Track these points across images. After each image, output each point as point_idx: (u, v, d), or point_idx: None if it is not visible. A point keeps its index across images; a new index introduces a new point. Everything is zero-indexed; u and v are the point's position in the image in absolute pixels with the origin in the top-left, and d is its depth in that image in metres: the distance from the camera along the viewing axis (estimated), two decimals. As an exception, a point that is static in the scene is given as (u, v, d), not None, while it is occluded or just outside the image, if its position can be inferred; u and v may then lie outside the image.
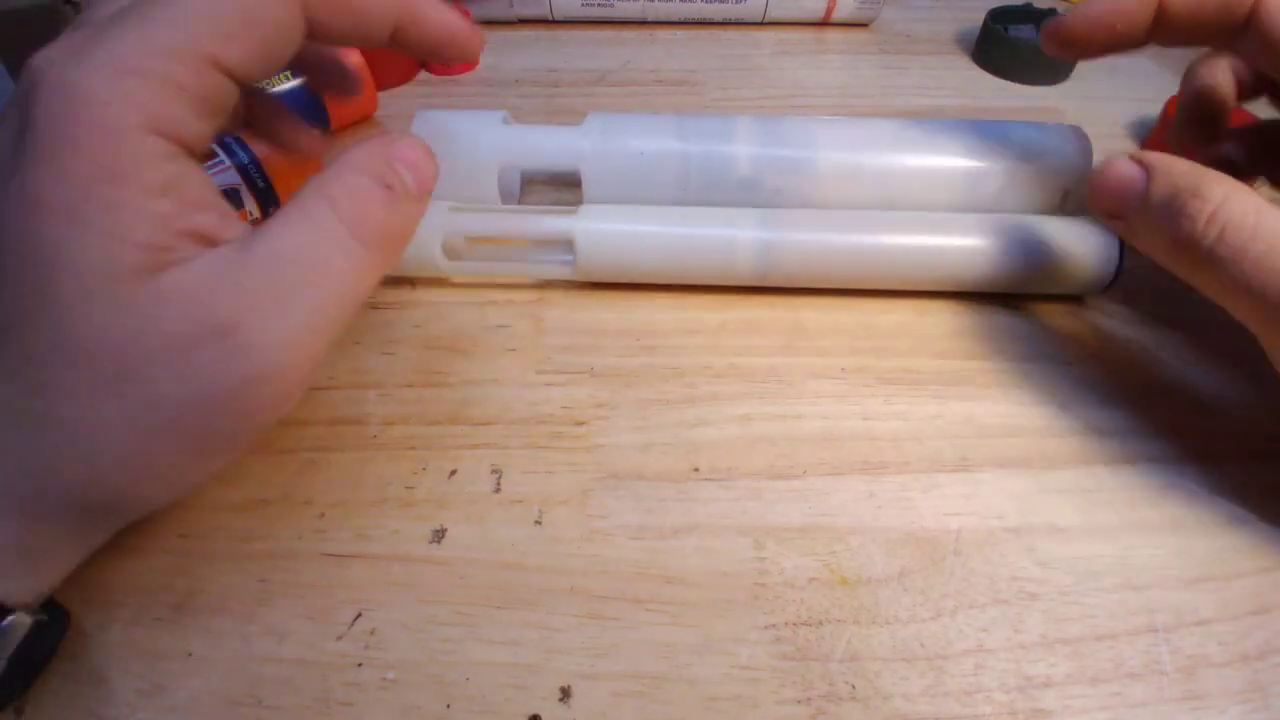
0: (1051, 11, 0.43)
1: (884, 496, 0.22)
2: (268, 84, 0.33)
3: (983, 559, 0.20)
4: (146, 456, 0.15)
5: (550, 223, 0.26)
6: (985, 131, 0.28)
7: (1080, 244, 0.25)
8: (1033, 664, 0.18)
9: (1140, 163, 0.20)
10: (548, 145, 0.28)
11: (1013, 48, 0.41)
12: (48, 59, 0.14)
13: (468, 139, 0.28)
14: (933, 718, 0.17)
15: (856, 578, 0.20)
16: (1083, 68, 0.42)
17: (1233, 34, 0.21)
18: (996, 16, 0.43)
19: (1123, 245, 0.25)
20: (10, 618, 0.16)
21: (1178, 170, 0.19)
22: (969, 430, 0.23)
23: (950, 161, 0.27)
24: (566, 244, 0.26)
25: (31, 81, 0.14)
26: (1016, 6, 0.44)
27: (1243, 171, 0.25)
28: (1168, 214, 0.19)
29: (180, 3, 0.15)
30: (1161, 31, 0.22)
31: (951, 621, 0.19)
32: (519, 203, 0.31)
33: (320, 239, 0.16)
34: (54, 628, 0.17)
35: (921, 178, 0.27)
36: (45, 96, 0.14)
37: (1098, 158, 0.36)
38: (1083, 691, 0.18)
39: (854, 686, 0.18)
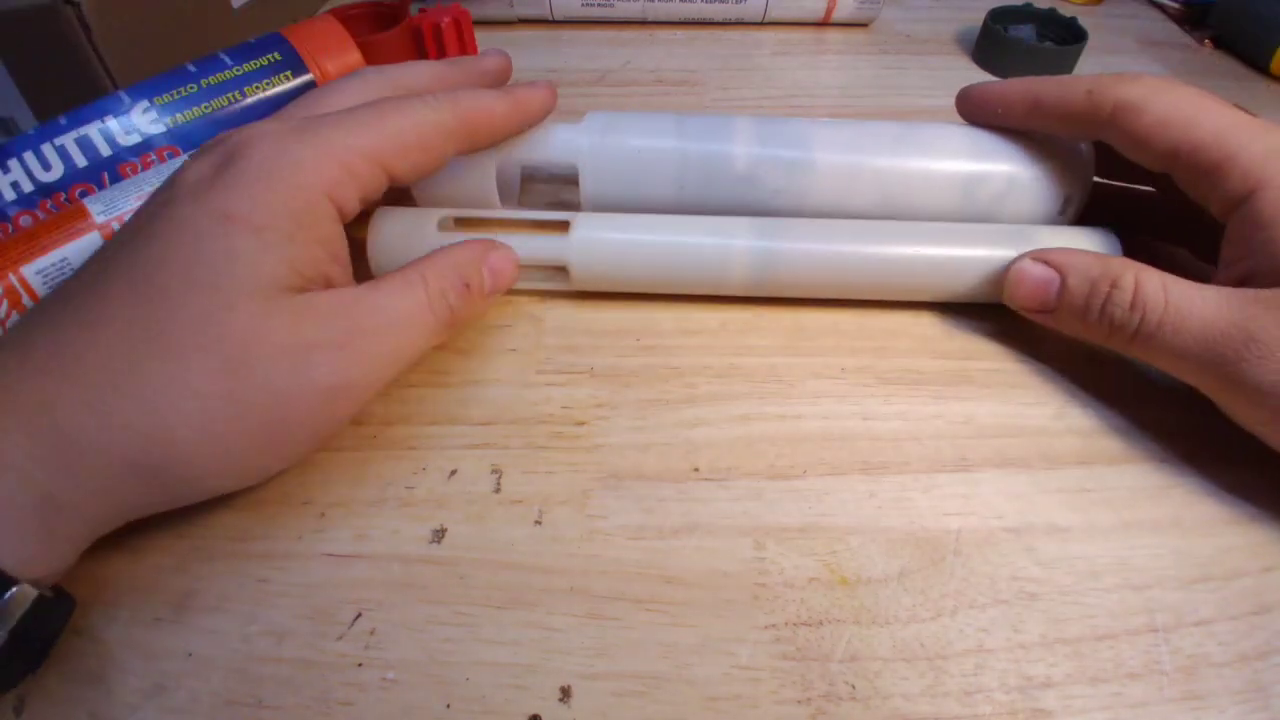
0: (1052, 11, 0.43)
1: (884, 496, 0.22)
2: (270, 83, 0.33)
3: (983, 559, 0.20)
4: (223, 438, 0.18)
5: (542, 243, 0.26)
6: (985, 136, 0.27)
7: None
8: (1033, 664, 0.18)
9: (1048, 263, 0.23)
10: (546, 141, 0.27)
11: (1013, 48, 0.41)
12: (263, 129, 0.19)
13: None
14: (933, 718, 0.17)
15: (856, 578, 0.20)
16: (1082, 67, 0.42)
17: (1095, 131, 0.24)
18: (996, 16, 0.43)
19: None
20: (14, 589, 0.16)
21: (1085, 264, 0.23)
22: (969, 430, 0.23)
23: (949, 165, 0.27)
24: (559, 264, 0.26)
25: (247, 137, 0.19)
26: (1016, 6, 0.44)
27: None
28: (1095, 308, 0.22)
29: (375, 121, 0.20)
30: (1035, 121, 0.26)
31: (951, 621, 0.19)
32: (519, 199, 0.31)
33: (411, 306, 0.21)
34: (59, 610, 0.18)
35: (920, 180, 0.27)
36: (260, 149, 0.19)
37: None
38: (1083, 691, 0.18)
39: (854, 686, 0.18)
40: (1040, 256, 0.23)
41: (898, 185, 0.27)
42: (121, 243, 0.19)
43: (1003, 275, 0.24)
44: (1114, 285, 0.22)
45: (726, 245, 0.25)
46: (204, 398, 0.17)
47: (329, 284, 0.20)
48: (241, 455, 0.18)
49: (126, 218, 0.26)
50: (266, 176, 0.18)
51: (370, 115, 0.20)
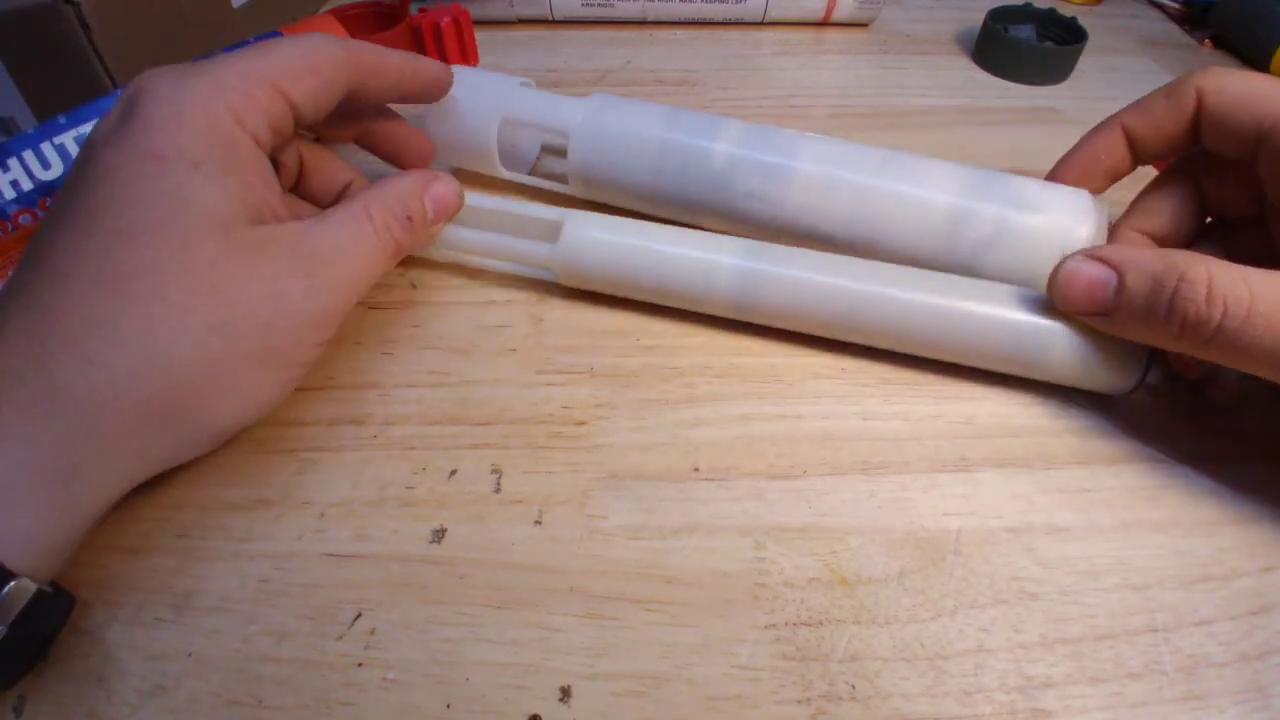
0: (1052, 11, 0.43)
1: (884, 496, 0.22)
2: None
3: (983, 559, 0.20)
4: (222, 363, 0.19)
5: (529, 248, 0.26)
6: (982, 174, 0.26)
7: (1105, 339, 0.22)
8: (1033, 664, 0.18)
9: (1104, 261, 0.21)
10: (547, 108, 0.29)
11: (1013, 48, 0.41)
12: (156, 71, 0.19)
13: (473, 90, 0.29)
14: (933, 718, 0.17)
15: (856, 578, 0.20)
16: (1082, 67, 0.42)
17: (1187, 123, 0.23)
18: (996, 16, 0.43)
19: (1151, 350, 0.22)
20: (12, 583, 0.16)
21: (1146, 261, 0.20)
22: (969, 430, 0.23)
23: (934, 195, 0.25)
24: (545, 265, 0.26)
25: (137, 86, 0.19)
26: (1016, 6, 0.44)
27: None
28: (1161, 306, 0.20)
29: (262, 51, 0.21)
30: (1137, 156, 0.25)
31: (951, 621, 0.19)
32: (534, 167, 0.33)
33: (360, 237, 0.22)
34: (58, 608, 0.18)
35: (898, 205, 0.25)
36: (156, 89, 0.19)
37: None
38: (1083, 691, 0.18)
39: (854, 686, 0.18)
40: (1093, 254, 0.21)
41: (871, 207, 0.26)
42: (62, 203, 0.19)
43: (1051, 277, 0.22)
44: (1182, 279, 0.19)
45: (714, 260, 0.24)
46: (196, 331, 0.18)
47: (275, 215, 0.21)
48: (242, 383, 0.19)
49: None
50: (174, 113, 0.18)
51: (258, 48, 0.21)
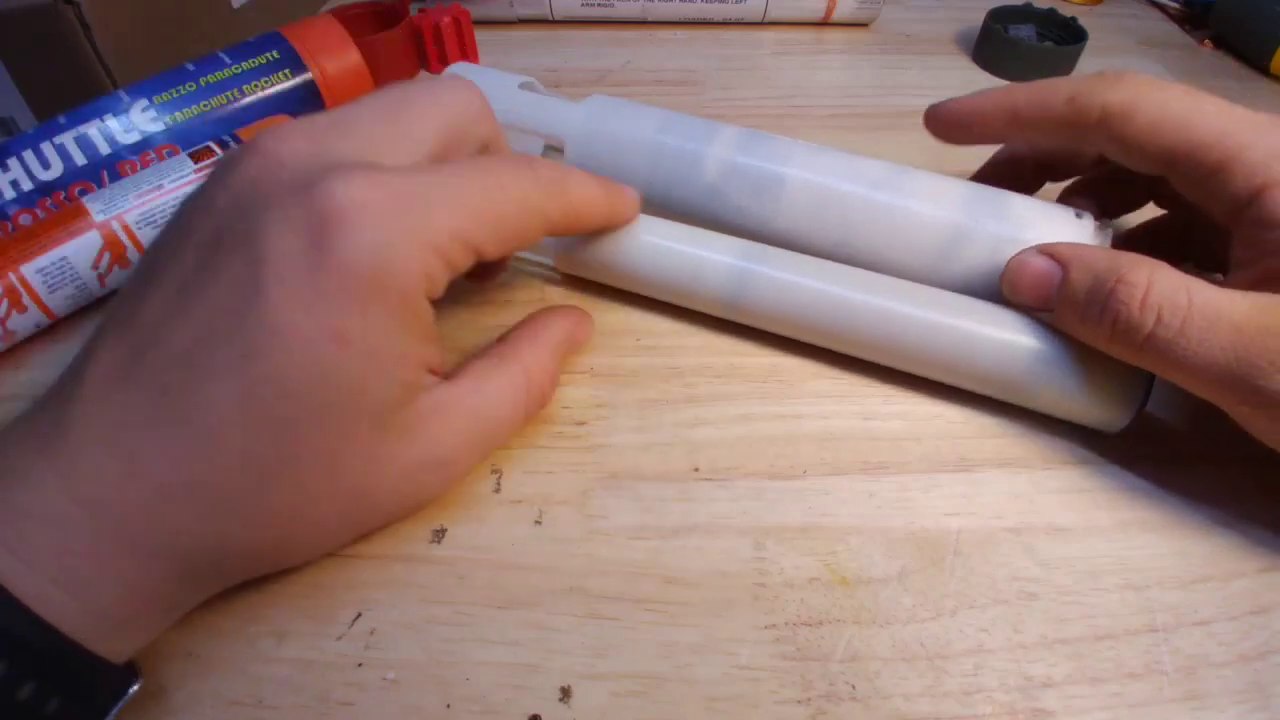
0: (1052, 11, 0.43)
1: (884, 496, 0.22)
2: (268, 82, 0.33)
3: (983, 559, 0.20)
4: (332, 540, 0.19)
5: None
6: (983, 193, 0.25)
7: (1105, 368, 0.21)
8: (1033, 664, 0.18)
9: (1052, 256, 0.21)
10: (539, 114, 0.28)
11: (1013, 48, 0.41)
12: (357, 190, 0.16)
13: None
14: (933, 718, 0.17)
15: (856, 578, 0.20)
16: (1082, 67, 0.42)
17: (1081, 139, 0.23)
18: (996, 16, 0.43)
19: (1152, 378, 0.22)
20: (139, 683, 0.16)
21: (1093, 258, 0.20)
22: (969, 430, 0.23)
23: (928, 217, 0.24)
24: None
25: (342, 204, 0.16)
26: (1016, 6, 0.44)
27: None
28: (1097, 304, 0.20)
29: (479, 197, 0.18)
30: (1015, 134, 0.24)
31: (951, 621, 0.19)
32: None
33: (513, 396, 0.21)
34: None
35: (890, 227, 0.25)
36: (358, 232, 0.16)
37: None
38: (1083, 691, 0.18)
39: (854, 686, 0.18)
40: (1044, 248, 0.22)
41: (864, 229, 0.25)
42: (212, 339, 0.16)
43: (1004, 269, 0.23)
44: (1120, 280, 0.19)
45: (710, 259, 0.24)
46: (326, 525, 0.18)
47: (429, 369, 0.18)
48: (335, 543, 0.19)
49: (126, 217, 0.26)
50: (373, 284, 0.16)
51: (474, 188, 0.18)
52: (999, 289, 0.23)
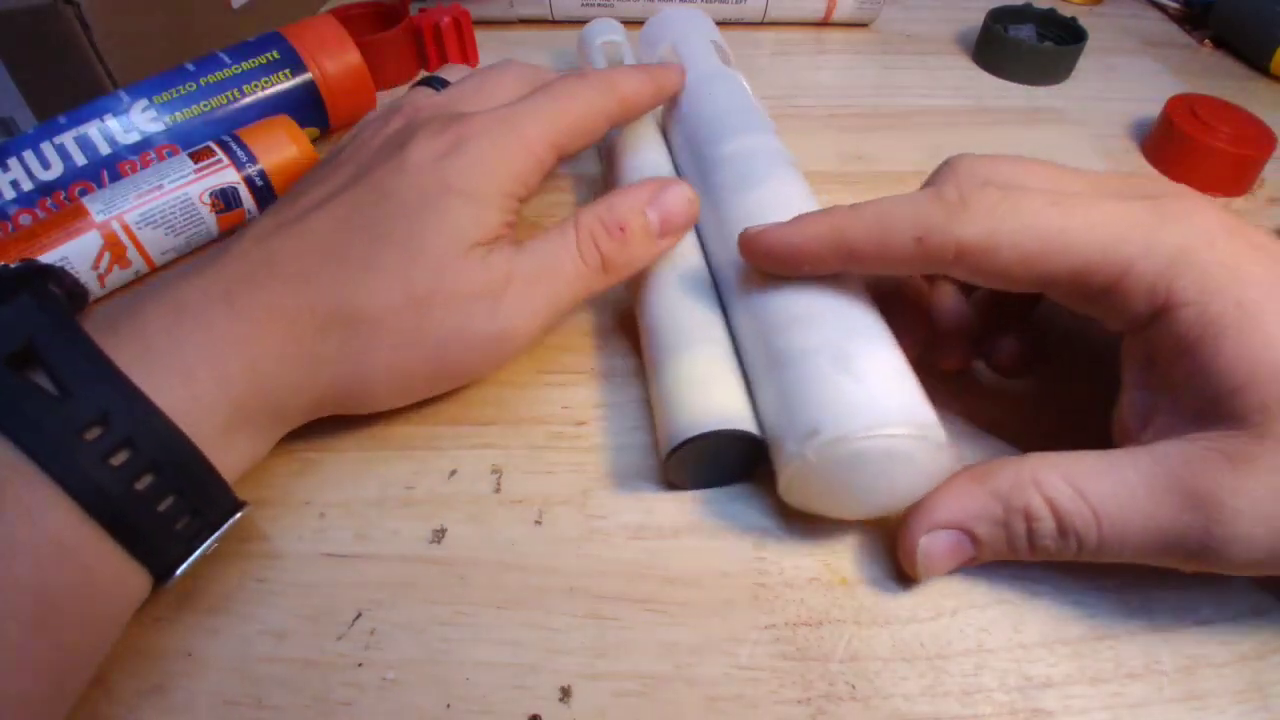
0: (1052, 11, 0.43)
1: (884, 496, 0.21)
2: (268, 82, 0.33)
3: (983, 559, 0.20)
4: (402, 374, 0.21)
5: None
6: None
7: None
8: (1033, 664, 0.18)
9: (950, 527, 0.18)
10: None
11: (1013, 48, 0.41)
12: (480, 122, 0.23)
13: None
14: (933, 718, 0.17)
15: (856, 578, 0.20)
16: (1082, 67, 0.42)
17: (935, 272, 0.20)
18: (996, 16, 0.43)
19: None
20: (241, 512, 0.18)
21: (982, 506, 0.18)
22: (969, 430, 0.23)
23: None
24: None
25: (470, 129, 0.22)
26: (1016, 6, 0.44)
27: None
28: (1019, 550, 0.18)
29: (558, 111, 0.23)
30: (855, 269, 0.20)
31: (951, 621, 0.19)
32: None
33: (559, 253, 0.22)
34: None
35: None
36: (480, 143, 0.22)
37: (1098, 158, 0.36)
38: (1083, 691, 0.18)
39: (854, 686, 0.18)
40: (931, 523, 0.18)
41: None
42: (360, 191, 0.22)
43: (907, 556, 0.19)
44: (1029, 518, 0.17)
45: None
46: (389, 345, 0.20)
47: (503, 239, 0.22)
48: (409, 391, 0.22)
49: (126, 217, 0.26)
50: (483, 165, 0.22)
51: (552, 105, 0.23)
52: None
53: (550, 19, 0.45)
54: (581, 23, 0.45)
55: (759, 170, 0.25)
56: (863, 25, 0.46)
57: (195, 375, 0.18)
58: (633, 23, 0.45)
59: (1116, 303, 0.18)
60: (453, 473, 0.22)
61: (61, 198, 0.28)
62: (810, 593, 0.19)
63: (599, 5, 0.44)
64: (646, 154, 0.29)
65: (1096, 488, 0.17)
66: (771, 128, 0.28)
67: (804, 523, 0.21)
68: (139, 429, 0.16)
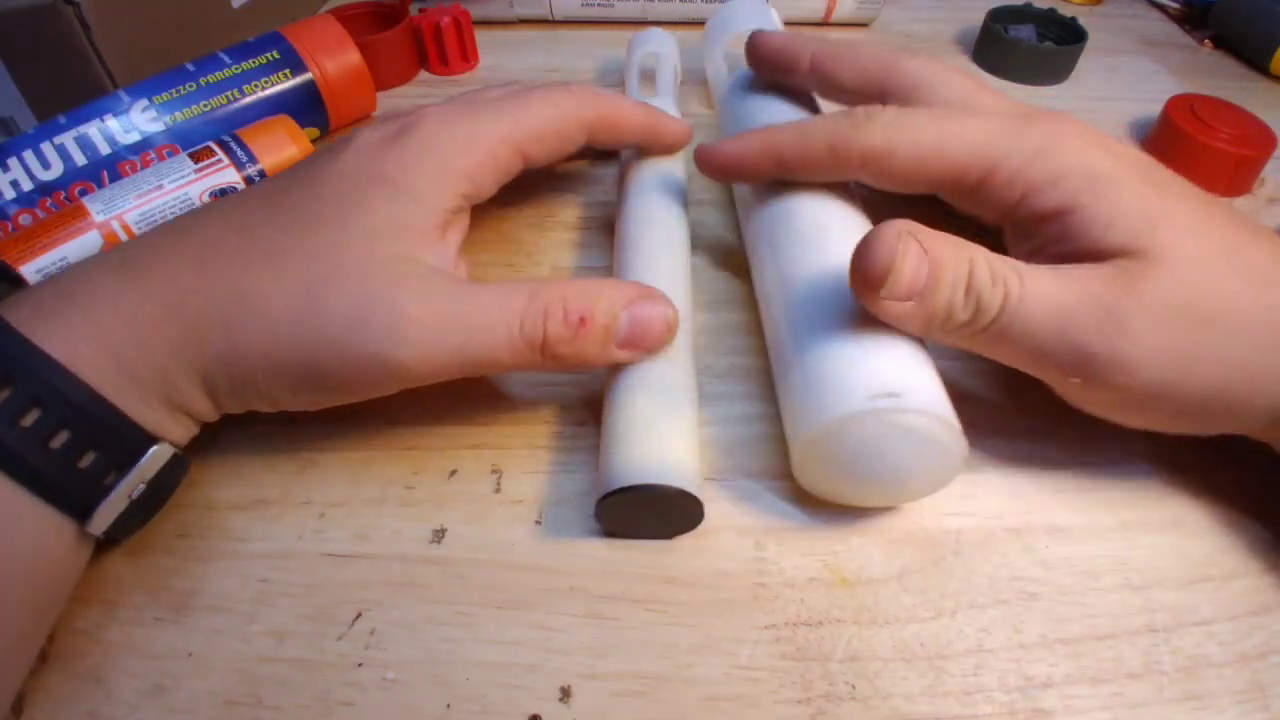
0: (1052, 11, 0.43)
1: (884, 496, 0.21)
2: (268, 82, 0.33)
3: (983, 559, 0.20)
4: (287, 360, 0.19)
5: None
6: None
7: None
8: (1033, 664, 0.18)
9: (922, 248, 0.18)
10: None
11: (1013, 48, 0.41)
12: (434, 109, 0.23)
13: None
14: (933, 718, 0.17)
15: (856, 578, 0.20)
16: (1082, 67, 0.42)
17: (847, 177, 0.23)
18: (996, 16, 0.43)
19: None
20: (156, 446, 0.18)
21: (945, 244, 0.18)
22: (968, 430, 0.23)
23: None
24: None
25: (420, 115, 0.22)
26: (1016, 6, 0.44)
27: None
28: (959, 296, 0.18)
29: (521, 111, 0.23)
30: (782, 174, 0.24)
31: (951, 621, 0.19)
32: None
33: (500, 310, 0.20)
34: (180, 467, 0.20)
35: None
36: (425, 128, 0.22)
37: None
38: (1083, 691, 0.18)
39: (854, 686, 0.18)
40: (915, 236, 0.18)
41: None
42: (295, 177, 0.22)
43: (868, 253, 0.18)
44: (972, 262, 0.18)
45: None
46: (275, 321, 0.19)
47: (441, 241, 0.22)
48: (293, 386, 0.20)
49: (126, 216, 0.26)
50: (421, 151, 0.21)
51: (518, 105, 0.23)
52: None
53: (550, 19, 0.45)
54: (581, 23, 0.45)
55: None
56: (863, 25, 0.46)
57: (73, 326, 0.18)
58: (632, 23, 0.45)
59: (988, 196, 0.21)
60: (453, 473, 0.22)
61: (61, 198, 0.28)
62: (810, 593, 0.19)
63: (599, 5, 0.44)
64: (659, 231, 0.26)
65: (1020, 265, 0.19)
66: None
67: (804, 523, 0.21)
68: (14, 366, 0.17)
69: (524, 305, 0.20)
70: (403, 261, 0.20)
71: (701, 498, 0.19)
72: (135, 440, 0.18)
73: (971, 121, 0.21)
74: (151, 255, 0.20)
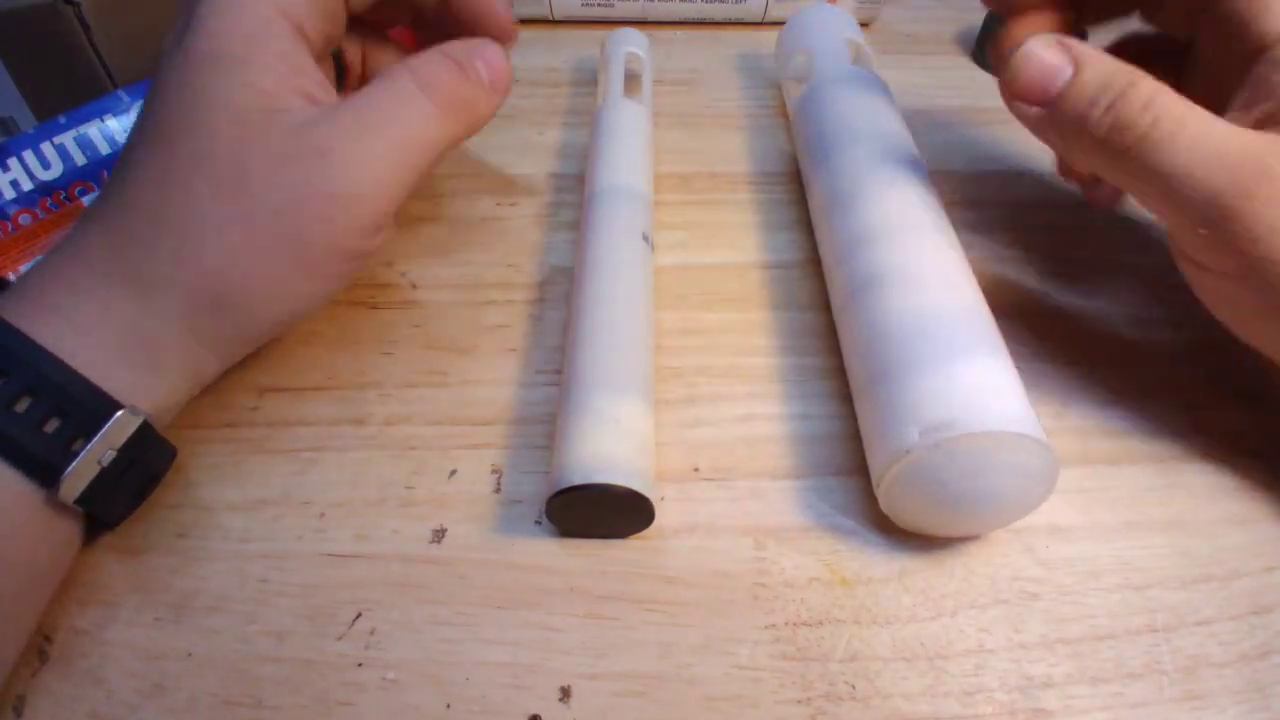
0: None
1: (884, 496, 0.21)
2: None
3: (983, 559, 0.20)
4: (250, 255, 0.19)
5: None
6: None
7: None
8: (1033, 664, 0.18)
9: (1066, 49, 0.20)
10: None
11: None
12: None
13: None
14: (933, 718, 0.17)
15: (856, 578, 0.20)
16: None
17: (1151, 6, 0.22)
18: (997, 16, 0.42)
19: None
20: (120, 413, 0.18)
21: (1106, 62, 0.19)
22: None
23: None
24: None
25: None
26: (1017, 6, 0.44)
27: None
28: (1099, 102, 0.19)
29: None
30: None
31: (951, 621, 0.19)
32: None
33: (398, 94, 0.20)
34: (163, 450, 0.20)
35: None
36: None
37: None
38: (1083, 691, 0.18)
39: (854, 686, 0.18)
40: (1058, 40, 0.20)
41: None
42: (144, 105, 0.20)
43: (1001, 58, 0.21)
44: (1130, 84, 0.19)
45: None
46: (219, 222, 0.19)
47: (311, 101, 0.20)
48: (275, 276, 0.20)
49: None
50: (215, 11, 0.19)
51: None
52: None
53: (550, 19, 0.45)
54: (581, 23, 0.45)
55: (884, 175, 0.25)
56: (863, 25, 0.46)
57: (30, 299, 0.18)
58: (632, 23, 0.45)
59: (1250, 23, 0.20)
60: (453, 473, 0.22)
61: (61, 198, 0.28)
62: (810, 593, 0.19)
63: (599, 5, 0.44)
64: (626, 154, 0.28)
65: (1201, 111, 0.18)
66: (895, 129, 0.27)
67: (804, 523, 0.21)
68: None
69: (410, 79, 0.21)
70: (283, 119, 0.19)
71: (650, 494, 0.19)
72: (99, 405, 0.18)
73: None
74: (88, 232, 0.19)
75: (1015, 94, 0.20)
